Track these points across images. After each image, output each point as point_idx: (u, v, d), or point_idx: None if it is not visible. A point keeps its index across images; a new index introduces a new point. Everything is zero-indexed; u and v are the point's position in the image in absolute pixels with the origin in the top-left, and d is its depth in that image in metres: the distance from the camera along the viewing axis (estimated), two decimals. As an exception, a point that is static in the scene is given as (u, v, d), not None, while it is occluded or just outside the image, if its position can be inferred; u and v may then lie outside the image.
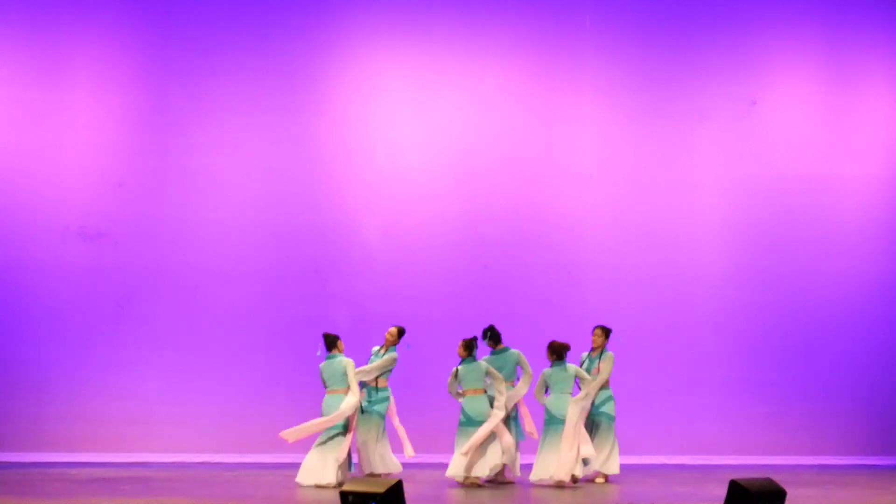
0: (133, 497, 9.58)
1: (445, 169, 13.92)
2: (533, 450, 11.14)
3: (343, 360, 10.88)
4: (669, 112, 14.05)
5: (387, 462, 11.25)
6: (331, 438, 10.75)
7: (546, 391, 11.02)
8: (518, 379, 11.11)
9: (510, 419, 11.04)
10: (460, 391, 10.90)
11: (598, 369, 11.24)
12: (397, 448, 11.40)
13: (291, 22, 13.90)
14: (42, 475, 11.27)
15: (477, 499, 9.94)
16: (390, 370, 11.32)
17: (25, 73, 13.69)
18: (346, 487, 8.13)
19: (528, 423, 11.13)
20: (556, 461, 10.64)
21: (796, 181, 14.05)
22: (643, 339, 12.87)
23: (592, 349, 11.47)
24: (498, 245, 13.80)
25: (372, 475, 11.03)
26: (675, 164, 14.03)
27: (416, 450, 11.33)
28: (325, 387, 10.96)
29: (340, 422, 10.74)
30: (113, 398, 13.34)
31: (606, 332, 11.45)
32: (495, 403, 10.72)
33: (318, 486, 10.56)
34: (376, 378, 11.25)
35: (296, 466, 11.01)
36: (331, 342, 11.02)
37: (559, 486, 10.62)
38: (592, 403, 11.12)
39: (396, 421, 11.40)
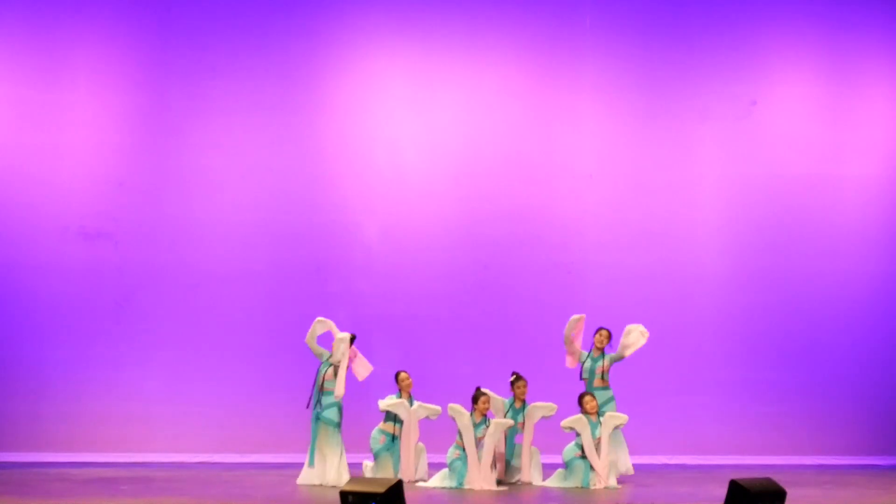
0: (133, 497, 9.58)
1: (445, 169, 13.91)
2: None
3: None
4: (669, 112, 14.05)
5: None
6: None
7: None
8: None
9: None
10: None
11: (603, 368, 11.31)
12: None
13: (291, 21, 13.89)
14: (42, 475, 11.25)
15: (478, 501, 9.93)
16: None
17: (25, 73, 13.68)
18: (346, 487, 8.12)
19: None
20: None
21: (796, 181, 14.05)
22: (643, 339, 12.83)
23: (594, 348, 11.50)
24: (498, 245, 13.79)
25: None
26: (675, 164, 14.03)
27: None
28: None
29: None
30: (113, 398, 13.33)
31: (610, 335, 11.51)
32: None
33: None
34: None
35: (296, 466, 11.00)
36: None
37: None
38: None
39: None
